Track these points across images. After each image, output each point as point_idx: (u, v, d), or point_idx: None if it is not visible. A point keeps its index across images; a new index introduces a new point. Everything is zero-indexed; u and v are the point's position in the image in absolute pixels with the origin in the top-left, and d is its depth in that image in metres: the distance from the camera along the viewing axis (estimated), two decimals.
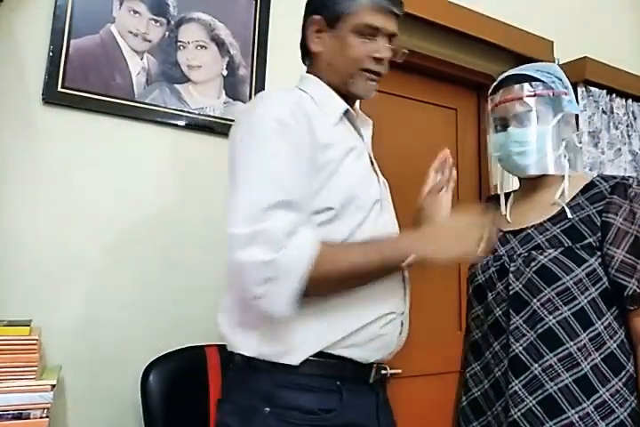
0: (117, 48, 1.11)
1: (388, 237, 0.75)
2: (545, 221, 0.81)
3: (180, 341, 1.03)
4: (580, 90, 1.72)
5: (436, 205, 0.84)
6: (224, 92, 1.22)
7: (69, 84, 1.05)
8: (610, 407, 0.72)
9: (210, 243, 1.11)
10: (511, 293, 0.78)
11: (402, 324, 0.77)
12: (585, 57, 1.72)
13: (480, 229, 0.70)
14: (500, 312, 0.80)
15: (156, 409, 0.91)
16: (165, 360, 0.97)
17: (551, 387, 0.73)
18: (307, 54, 0.85)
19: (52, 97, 1.04)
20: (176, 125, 1.16)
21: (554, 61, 1.72)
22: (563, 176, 0.83)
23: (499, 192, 0.92)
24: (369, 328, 0.72)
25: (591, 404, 0.71)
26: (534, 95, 0.82)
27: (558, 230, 0.79)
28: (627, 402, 0.73)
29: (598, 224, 0.77)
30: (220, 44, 1.22)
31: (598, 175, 0.84)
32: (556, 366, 0.73)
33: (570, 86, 0.87)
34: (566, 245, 0.77)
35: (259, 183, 0.67)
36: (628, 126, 1.85)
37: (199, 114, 1.18)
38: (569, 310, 0.74)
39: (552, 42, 1.74)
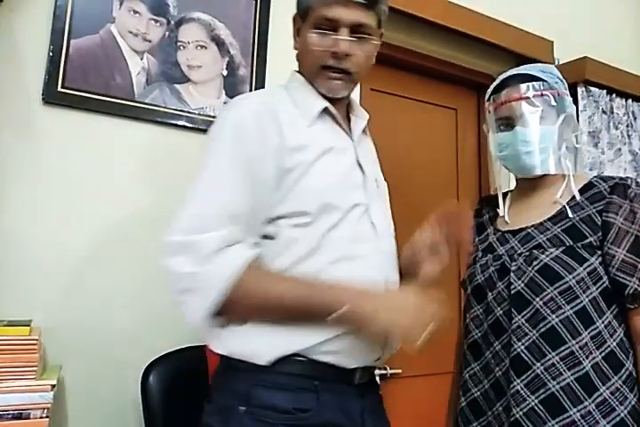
0: (117, 48, 1.11)
1: (336, 284, 0.68)
2: (545, 221, 0.81)
3: (180, 341, 1.03)
4: (580, 90, 1.72)
5: (418, 267, 0.78)
6: (224, 92, 1.22)
7: (69, 84, 1.05)
8: (610, 406, 0.72)
9: None
10: (513, 292, 0.78)
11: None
12: (585, 57, 1.72)
13: (431, 319, 0.63)
14: (501, 312, 0.79)
15: (157, 409, 0.91)
16: (166, 360, 0.97)
17: (553, 386, 0.73)
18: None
19: (52, 97, 1.04)
20: (176, 125, 1.16)
21: (554, 61, 1.72)
22: (563, 176, 0.83)
23: (497, 192, 0.92)
24: (346, 336, 0.69)
25: (592, 402, 0.71)
26: (541, 95, 0.81)
27: (559, 230, 0.79)
28: (626, 400, 0.73)
29: (599, 224, 0.77)
30: (220, 44, 1.22)
31: (596, 176, 0.85)
32: (558, 365, 0.73)
33: (567, 87, 0.88)
34: (567, 244, 0.77)
35: (202, 197, 0.69)
36: (627, 126, 1.85)
37: (199, 114, 1.18)
38: (571, 308, 0.74)
39: (552, 42, 1.74)
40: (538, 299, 0.76)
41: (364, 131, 0.85)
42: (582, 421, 0.71)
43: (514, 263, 0.80)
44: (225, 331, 0.70)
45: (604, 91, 1.78)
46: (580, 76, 1.70)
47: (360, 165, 0.78)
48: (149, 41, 1.15)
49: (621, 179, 0.80)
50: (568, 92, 0.86)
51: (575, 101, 1.67)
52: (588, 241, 0.76)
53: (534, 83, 0.82)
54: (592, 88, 1.75)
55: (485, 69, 1.69)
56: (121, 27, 1.12)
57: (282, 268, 0.70)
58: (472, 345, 0.85)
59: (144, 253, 1.09)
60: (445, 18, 1.48)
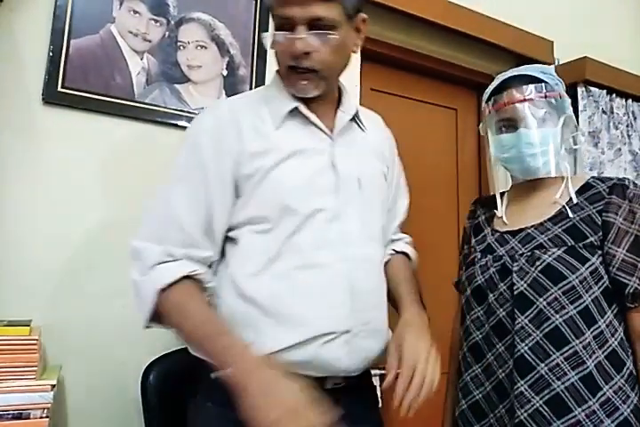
0: (117, 48, 1.11)
1: (236, 341, 0.65)
2: (545, 221, 0.81)
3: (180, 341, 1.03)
4: (579, 90, 1.72)
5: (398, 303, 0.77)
6: (224, 92, 1.22)
7: (69, 84, 1.05)
8: (614, 404, 0.72)
9: None
10: (516, 292, 0.77)
11: (348, 343, 0.70)
12: (585, 57, 1.72)
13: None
14: (504, 313, 0.78)
15: (157, 409, 0.91)
16: (166, 360, 0.97)
17: (558, 386, 0.72)
18: None
19: (52, 97, 1.04)
20: (176, 125, 1.16)
21: (554, 61, 1.72)
22: (562, 177, 0.83)
23: (494, 193, 0.92)
24: (301, 349, 0.67)
25: (597, 401, 0.71)
26: (545, 97, 0.81)
27: (559, 230, 0.79)
28: (629, 399, 0.73)
29: (599, 223, 0.77)
30: (220, 44, 1.22)
31: (593, 177, 0.85)
32: (562, 365, 0.73)
33: (565, 89, 0.88)
34: (569, 244, 0.77)
35: (157, 208, 0.73)
36: (628, 126, 1.85)
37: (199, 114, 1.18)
38: (575, 308, 0.74)
39: (552, 42, 1.74)
40: (541, 299, 0.75)
41: (360, 126, 0.82)
42: (587, 420, 0.71)
43: (515, 264, 0.79)
44: None
45: (604, 91, 1.78)
46: (580, 76, 1.70)
47: (335, 167, 0.75)
48: (149, 41, 1.15)
49: (619, 179, 0.80)
50: (565, 92, 0.86)
51: (575, 101, 1.67)
52: (588, 241, 0.76)
53: (537, 84, 0.82)
54: (592, 88, 1.75)
55: (485, 69, 1.69)
56: (121, 27, 1.12)
57: (250, 273, 0.70)
58: (473, 347, 0.83)
59: None
60: (445, 18, 1.48)
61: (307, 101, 0.76)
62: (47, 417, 0.83)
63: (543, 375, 0.73)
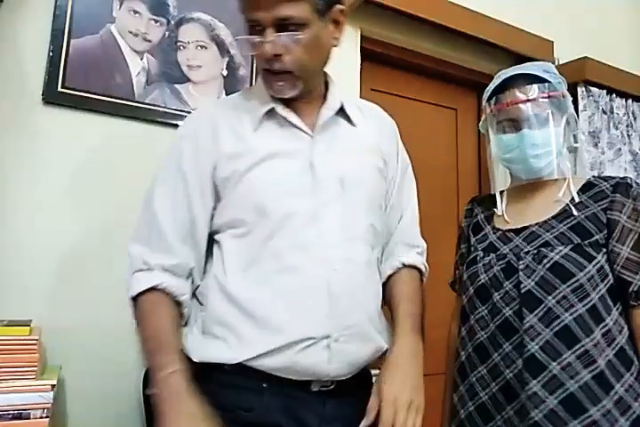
0: (117, 48, 1.11)
1: (168, 362, 0.65)
2: (549, 219, 0.80)
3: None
4: (579, 90, 1.72)
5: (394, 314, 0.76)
6: (224, 92, 1.22)
7: (69, 85, 1.05)
8: (626, 403, 0.71)
9: None
10: (523, 291, 0.76)
11: (329, 348, 0.68)
12: (585, 57, 1.72)
13: None
14: (511, 312, 0.77)
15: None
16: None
17: (572, 385, 0.71)
18: None
19: (52, 97, 1.04)
20: (176, 125, 1.16)
21: (554, 61, 1.72)
22: (564, 174, 0.82)
23: (493, 192, 0.91)
24: (279, 355, 0.66)
25: (610, 400, 0.71)
26: (548, 97, 0.80)
27: (565, 228, 0.78)
28: (639, 397, 0.73)
29: (604, 221, 0.77)
30: (220, 44, 1.22)
31: (594, 176, 0.84)
32: (574, 364, 0.72)
33: (567, 87, 0.86)
34: (575, 242, 0.76)
35: (142, 215, 0.75)
36: (627, 126, 1.85)
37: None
38: (583, 306, 0.73)
39: (552, 42, 1.74)
40: (550, 297, 0.74)
41: (349, 121, 0.79)
42: (603, 420, 0.70)
43: (521, 262, 0.78)
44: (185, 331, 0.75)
45: (604, 91, 1.78)
46: (580, 76, 1.70)
47: (313, 168, 0.73)
48: (149, 41, 1.15)
49: (622, 178, 0.80)
50: (567, 91, 0.86)
51: (575, 101, 1.67)
52: (594, 239, 0.76)
53: (540, 84, 0.80)
54: (592, 88, 1.75)
55: (485, 69, 1.69)
56: (121, 27, 1.12)
57: (231, 277, 0.70)
58: (478, 347, 0.81)
59: None
60: (445, 18, 1.48)
61: (289, 101, 0.75)
62: (47, 417, 0.83)
63: (556, 375, 0.72)
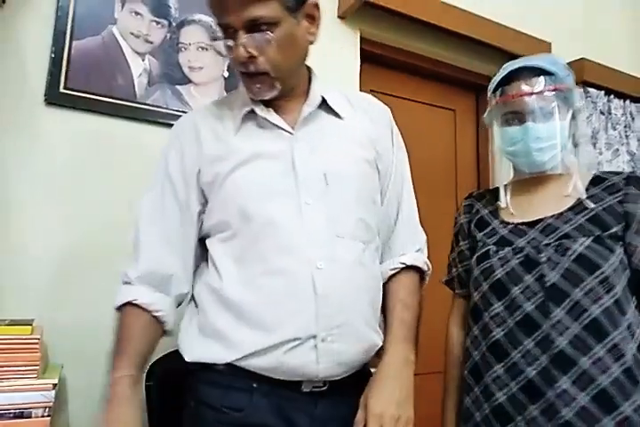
0: (119, 49, 1.12)
1: (121, 367, 0.68)
2: (565, 211, 0.79)
3: None
4: (577, 91, 1.73)
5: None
6: (225, 93, 1.22)
7: (71, 86, 1.06)
8: None
9: None
10: (547, 284, 0.73)
11: (316, 348, 0.66)
12: (583, 58, 1.73)
13: None
14: (532, 306, 0.74)
15: (159, 408, 0.91)
16: (168, 359, 0.97)
17: (604, 380, 0.69)
18: None
19: (54, 98, 1.05)
20: None
21: None
22: (571, 168, 0.81)
23: (498, 186, 0.89)
24: (265, 355, 0.66)
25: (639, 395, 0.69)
26: (554, 90, 0.78)
27: (583, 220, 0.76)
28: None
29: (621, 213, 0.76)
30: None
31: (601, 171, 0.84)
32: (605, 358, 0.70)
33: (574, 79, 0.85)
34: (596, 233, 0.75)
35: (136, 226, 0.77)
36: (625, 127, 1.86)
37: None
38: (610, 298, 0.71)
39: (550, 43, 1.75)
40: (577, 290, 0.72)
41: (336, 114, 0.77)
42: (635, 415, 0.68)
43: (542, 254, 0.75)
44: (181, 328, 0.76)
45: (602, 92, 1.79)
46: (578, 77, 1.71)
47: (294, 167, 0.71)
48: (151, 42, 1.16)
49: (631, 172, 0.80)
50: (574, 83, 0.84)
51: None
52: (613, 231, 0.75)
53: (546, 77, 0.78)
54: (590, 89, 1.76)
55: (483, 71, 1.70)
56: (123, 28, 1.13)
57: (219, 280, 0.71)
58: (493, 346, 0.77)
59: None
60: (444, 19, 1.49)
61: (270, 101, 0.74)
62: (49, 416, 0.83)
63: (586, 370, 0.69)
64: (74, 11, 1.08)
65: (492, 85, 0.86)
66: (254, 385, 0.68)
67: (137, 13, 1.15)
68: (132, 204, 1.10)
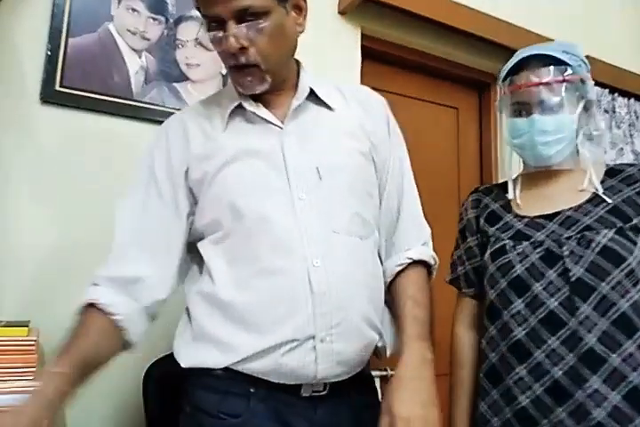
0: (116, 47, 1.11)
1: (50, 366, 0.63)
2: (584, 203, 0.76)
3: None
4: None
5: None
6: None
7: (67, 83, 1.05)
8: None
9: None
10: (572, 279, 0.70)
11: (315, 349, 0.65)
12: (587, 56, 1.69)
13: None
14: (556, 303, 0.71)
15: (158, 410, 0.90)
16: (167, 361, 0.96)
17: (635, 378, 0.66)
18: None
19: (49, 96, 1.04)
20: None
21: None
22: (585, 162, 0.79)
23: (507, 179, 0.86)
24: (264, 358, 0.65)
25: None
26: (563, 81, 0.75)
27: (603, 211, 0.74)
28: None
29: None
30: None
31: (613, 164, 0.82)
32: (636, 354, 0.67)
33: (589, 70, 0.81)
34: (617, 225, 0.72)
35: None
36: (630, 126, 1.84)
37: None
38: (638, 291, 0.69)
39: (554, 40, 1.73)
40: (604, 284, 0.69)
41: (326, 106, 0.75)
42: None
43: (564, 248, 0.72)
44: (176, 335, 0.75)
45: (607, 90, 1.77)
46: None
47: (285, 161, 0.69)
48: (148, 39, 1.14)
49: None
50: (589, 74, 0.80)
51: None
52: (634, 223, 0.72)
53: (557, 67, 0.75)
54: (594, 87, 1.74)
55: (487, 68, 1.68)
56: (119, 25, 1.11)
57: (212, 283, 0.69)
58: (514, 346, 0.74)
59: None
60: (447, 16, 1.47)
61: (259, 96, 0.72)
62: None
63: (617, 368, 0.67)
64: (70, 7, 1.06)
65: (502, 73, 0.83)
66: (251, 390, 0.66)
67: (133, 10, 1.13)
68: None
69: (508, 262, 0.76)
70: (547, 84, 0.75)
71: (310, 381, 0.66)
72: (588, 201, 0.76)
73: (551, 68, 0.75)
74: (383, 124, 0.80)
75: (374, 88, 1.55)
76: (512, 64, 0.81)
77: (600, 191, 0.76)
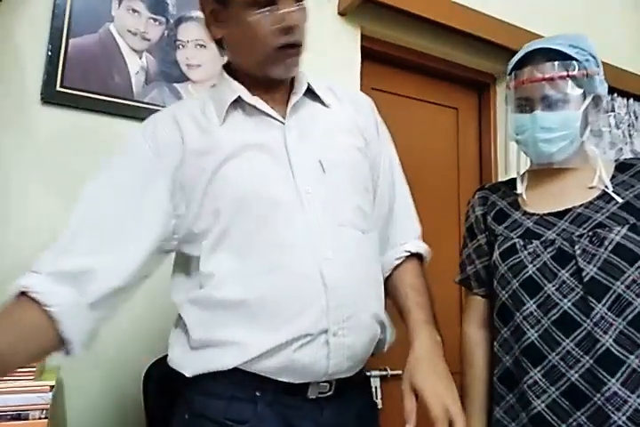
0: (116, 47, 1.11)
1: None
2: (595, 200, 0.74)
3: None
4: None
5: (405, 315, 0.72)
6: None
7: (68, 84, 1.05)
8: None
9: None
10: (586, 279, 0.68)
11: (327, 343, 0.64)
12: None
13: None
14: (570, 304, 0.69)
15: (158, 410, 0.90)
16: (166, 362, 0.96)
17: None
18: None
19: (50, 96, 1.04)
20: None
21: None
22: (593, 159, 0.78)
23: (501, 179, 0.87)
24: (276, 354, 0.63)
25: None
26: (567, 76, 0.72)
27: (615, 208, 0.72)
28: None
29: None
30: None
31: (623, 158, 0.80)
32: None
33: (600, 63, 0.78)
34: (631, 221, 0.70)
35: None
36: (629, 126, 1.84)
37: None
38: None
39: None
40: (618, 283, 0.67)
41: (321, 102, 0.75)
42: None
43: (577, 246, 0.70)
44: (169, 344, 0.71)
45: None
46: None
47: (289, 155, 0.68)
48: (148, 40, 1.14)
49: None
50: (601, 68, 0.77)
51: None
52: None
53: (561, 62, 0.73)
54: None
55: (486, 68, 1.69)
56: (120, 26, 1.11)
57: (215, 280, 0.65)
58: (527, 349, 0.71)
59: None
60: (447, 17, 1.47)
61: (255, 89, 0.70)
62: (46, 418, 0.82)
63: (636, 369, 0.65)
64: (70, 8, 1.07)
65: (508, 67, 0.81)
66: (257, 394, 0.64)
67: (134, 11, 1.13)
68: None
69: (520, 262, 0.75)
70: (550, 79, 0.73)
71: (320, 377, 0.65)
72: (599, 197, 0.74)
73: (555, 62, 0.73)
74: (372, 123, 0.82)
75: (374, 88, 1.57)
76: (517, 58, 0.79)
77: (610, 190, 0.74)
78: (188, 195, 0.68)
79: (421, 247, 0.80)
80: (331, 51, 1.38)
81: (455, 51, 1.62)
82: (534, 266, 0.73)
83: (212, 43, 0.74)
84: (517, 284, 0.74)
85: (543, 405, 0.69)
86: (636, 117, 1.87)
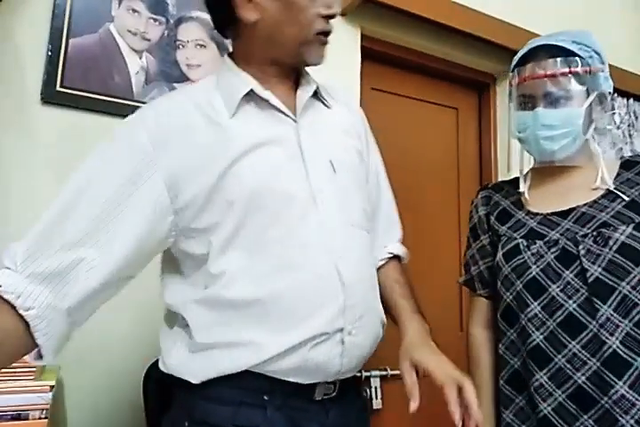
0: (116, 47, 1.11)
1: None
2: (599, 198, 0.73)
3: None
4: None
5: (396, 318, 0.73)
6: None
7: (68, 84, 1.05)
8: None
9: None
10: (590, 279, 0.67)
11: (342, 342, 0.63)
12: None
13: None
14: (575, 305, 0.67)
15: (158, 410, 0.90)
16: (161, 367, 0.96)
17: None
18: (231, 24, 0.70)
19: (50, 96, 1.04)
20: None
21: None
22: (596, 158, 0.77)
23: (507, 178, 0.85)
24: (291, 354, 0.62)
25: None
26: (569, 73, 0.71)
27: (619, 206, 0.71)
28: None
29: None
30: (220, 43, 1.22)
31: (629, 156, 0.80)
32: None
33: (606, 60, 0.77)
34: (636, 220, 0.68)
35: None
36: (629, 126, 1.84)
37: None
38: None
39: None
40: (624, 283, 0.66)
41: (324, 103, 0.75)
42: None
43: (581, 246, 0.69)
44: (163, 349, 0.69)
45: None
46: None
47: (302, 152, 0.67)
48: (148, 40, 1.14)
49: None
50: (606, 64, 0.76)
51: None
52: None
53: (564, 58, 0.72)
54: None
55: (486, 68, 1.69)
56: (120, 26, 1.11)
57: (225, 280, 0.63)
58: (533, 351, 0.70)
59: None
60: (447, 17, 1.47)
61: (265, 84, 0.68)
62: (46, 418, 0.82)
63: None
64: (70, 8, 1.07)
65: (512, 63, 0.81)
66: (265, 398, 0.63)
67: (134, 11, 1.13)
68: None
69: (523, 263, 0.74)
70: (552, 76, 0.72)
71: (331, 377, 0.65)
72: (604, 196, 0.73)
73: (558, 59, 0.72)
74: (362, 125, 0.83)
75: (374, 88, 1.57)
76: (520, 55, 0.79)
77: (612, 188, 0.73)
78: (192, 187, 0.63)
79: (402, 250, 0.84)
80: (331, 50, 1.37)
81: (455, 51, 1.61)
82: (538, 267, 0.72)
83: (232, 26, 0.70)
84: (521, 285, 0.73)
85: (549, 408, 0.68)
86: (636, 117, 1.87)
